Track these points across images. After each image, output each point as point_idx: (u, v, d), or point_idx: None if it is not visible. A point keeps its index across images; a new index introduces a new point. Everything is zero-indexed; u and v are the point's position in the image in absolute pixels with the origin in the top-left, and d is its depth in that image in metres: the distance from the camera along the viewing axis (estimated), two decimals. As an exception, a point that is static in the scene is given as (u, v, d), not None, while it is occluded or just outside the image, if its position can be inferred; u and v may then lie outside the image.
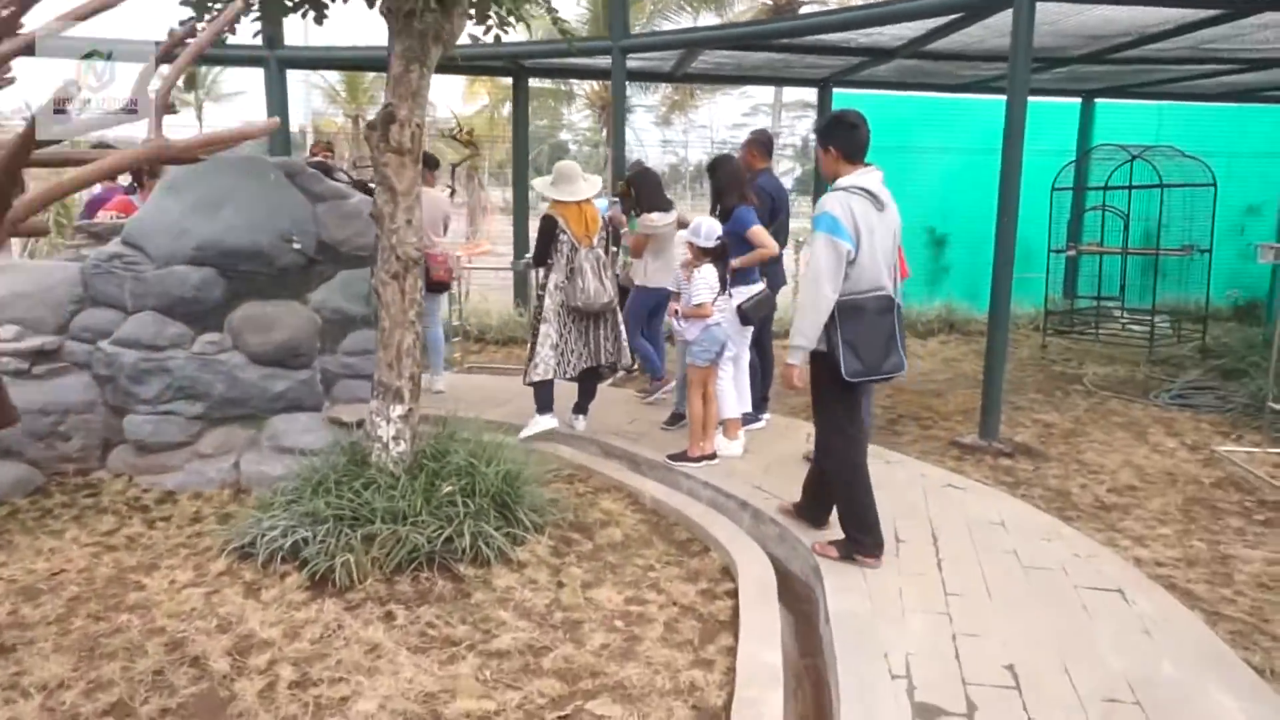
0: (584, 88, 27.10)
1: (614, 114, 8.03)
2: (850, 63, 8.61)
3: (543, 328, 5.32)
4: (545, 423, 5.55)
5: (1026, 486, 5.06)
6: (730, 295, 5.19)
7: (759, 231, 5.19)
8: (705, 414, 5.16)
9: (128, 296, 4.67)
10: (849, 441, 3.70)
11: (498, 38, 4.86)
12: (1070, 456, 5.62)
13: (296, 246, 4.81)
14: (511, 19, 4.75)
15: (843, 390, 3.59)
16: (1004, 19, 5.90)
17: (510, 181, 9.81)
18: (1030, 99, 5.66)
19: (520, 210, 9.47)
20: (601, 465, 5.42)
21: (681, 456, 5.14)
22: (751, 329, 5.49)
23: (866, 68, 8.62)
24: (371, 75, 29.58)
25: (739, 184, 5.37)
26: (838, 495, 3.79)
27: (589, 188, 5.43)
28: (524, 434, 5.31)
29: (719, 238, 5.01)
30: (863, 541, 3.69)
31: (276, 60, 8.34)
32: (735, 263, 5.16)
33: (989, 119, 9.63)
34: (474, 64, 9.01)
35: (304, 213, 4.86)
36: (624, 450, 5.51)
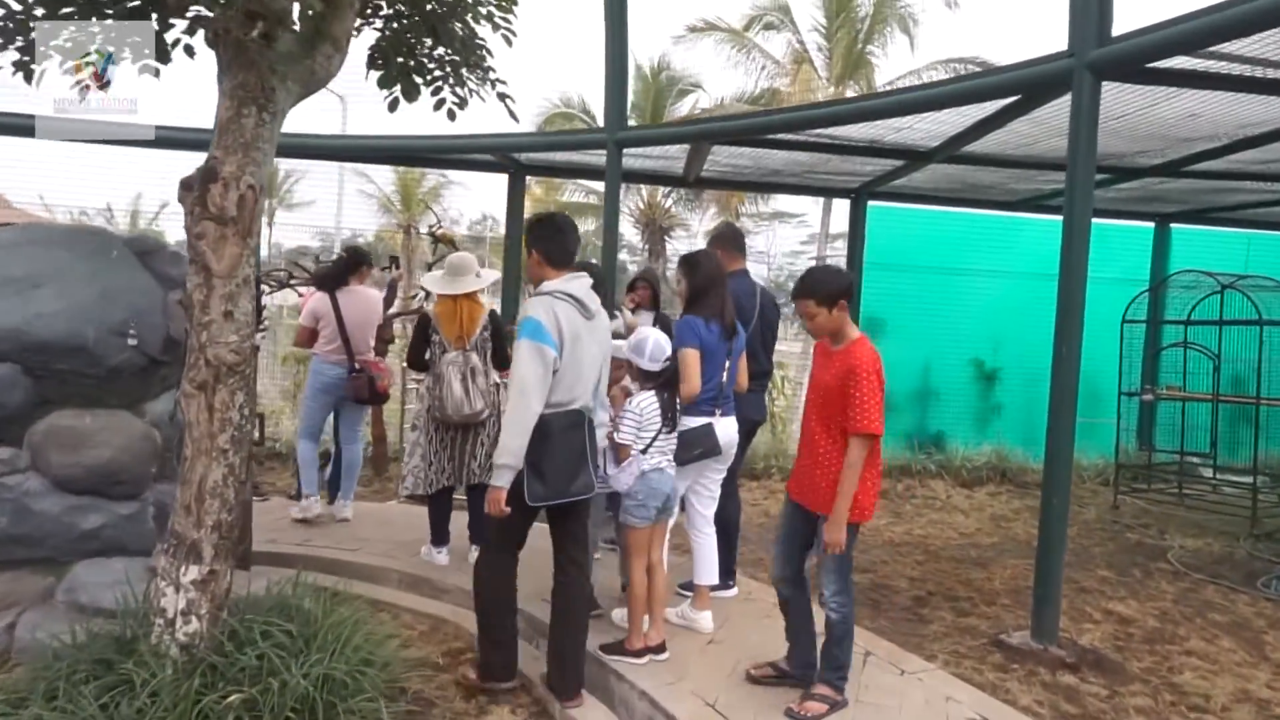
0: (628, 204, 26.87)
1: (606, 213, 7.04)
2: (884, 168, 7.56)
3: (413, 436, 4.97)
4: (435, 557, 5.04)
5: (1099, 726, 3.57)
6: (675, 430, 3.96)
7: (686, 356, 3.96)
8: (650, 590, 3.84)
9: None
10: (503, 558, 3.59)
11: (451, 113, 4.02)
12: (1159, 676, 4.10)
13: (133, 342, 3.76)
14: (468, 86, 3.86)
15: (520, 512, 3.38)
16: (1060, 116, 4.77)
17: (501, 290, 8.80)
18: (1096, 220, 4.45)
19: (508, 316, 8.44)
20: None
21: (617, 648, 3.81)
22: (717, 474, 4.24)
23: (903, 174, 7.56)
24: (428, 180, 29.96)
25: (720, 288, 4.19)
26: (483, 620, 3.62)
27: (475, 281, 4.88)
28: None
29: (668, 359, 3.82)
30: (496, 667, 3.60)
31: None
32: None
33: (1047, 240, 8.44)
34: (464, 158, 8.20)
35: (150, 301, 3.83)
36: (545, 624, 4.17)
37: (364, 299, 5.78)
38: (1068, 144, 4.35)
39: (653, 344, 3.80)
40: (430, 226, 7.81)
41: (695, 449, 4.03)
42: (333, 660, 3.04)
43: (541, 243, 3.51)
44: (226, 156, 3.00)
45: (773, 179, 8.56)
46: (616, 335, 4.21)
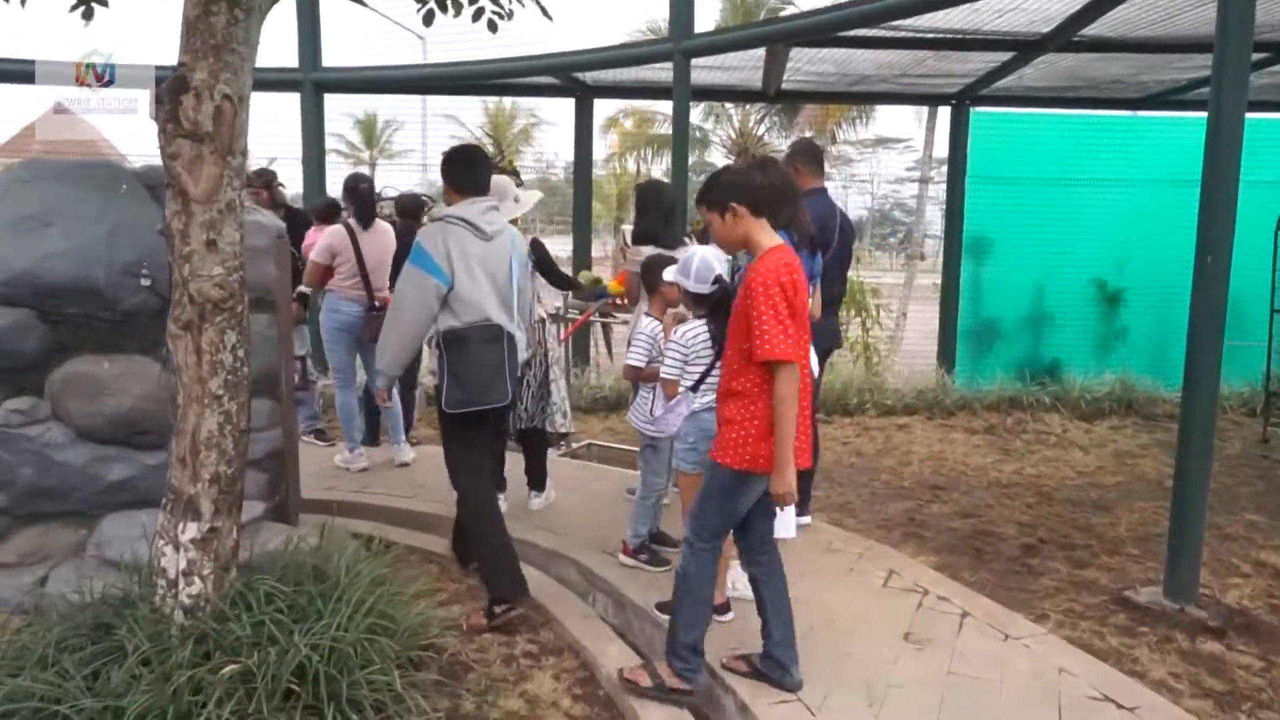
0: (719, 134, 25.87)
1: (675, 133, 6.47)
2: (988, 64, 6.69)
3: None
4: None
5: (1255, 707, 2.96)
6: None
7: None
8: (709, 545, 3.40)
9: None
10: (474, 484, 3.66)
11: (492, 24, 3.80)
12: (1327, 642, 3.43)
13: (146, 283, 3.51)
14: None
15: (458, 424, 3.55)
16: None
17: (571, 224, 8.37)
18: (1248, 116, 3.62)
19: (581, 257, 8.01)
20: (561, 601, 3.75)
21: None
22: None
23: (1010, 70, 6.67)
24: (518, 122, 29.76)
25: (794, 197, 3.61)
26: (473, 537, 3.68)
27: (513, 208, 4.39)
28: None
29: (719, 278, 3.30)
30: (501, 586, 3.52)
31: (312, 84, 7.34)
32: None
33: (1181, 142, 7.39)
34: (527, 83, 7.73)
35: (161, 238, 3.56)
36: (606, 583, 3.81)
37: (383, 235, 5.51)
38: (1217, 12, 3.54)
39: (699, 261, 3.29)
40: (492, 159, 7.39)
41: None
42: (347, 624, 2.74)
43: (450, 174, 3.63)
44: (196, 62, 2.63)
45: (862, 87, 7.76)
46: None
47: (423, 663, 3.05)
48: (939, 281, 8.57)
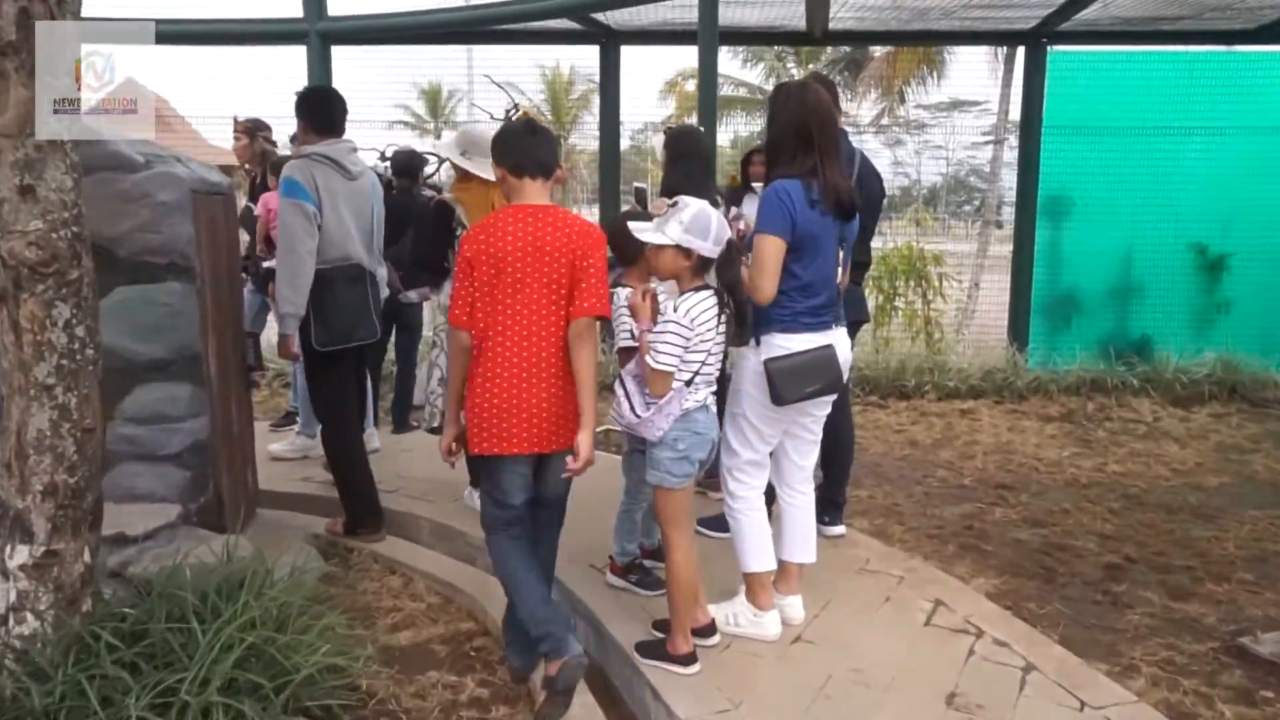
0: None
1: (700, 77, 5.69)
2: (1069, -7, 5.72)
3: (432, 354, 4.18)
4: (474, 502, 3.79)
5: None
6: (756, 344, 2.75)
7: (762, 245, 2.70)
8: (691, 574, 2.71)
9: None
10: (338, 415, 3.77)
11: None
12: None
13: (30, 246, 2.95)
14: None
15: (322, 362, 3.65)
16: None
17: (597, 184, 7.67)
18: None
19: (611, 214, 7.29)
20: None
21: (656, 649, 2.73)
22: (823, 408, 2.96)
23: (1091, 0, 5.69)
24: (576, 89, 29.03)
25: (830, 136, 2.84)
26: (333, 470, 3.86)
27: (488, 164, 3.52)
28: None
29: (729, 241, 2.59)
30: (361, 515, 3.83)
31: (318, 35, 6.75)
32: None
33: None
34: (546, 28, 7.00)
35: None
36: (587, 608, 3.15)
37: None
38: None
39: (717, 220, 2.58)
40: (507, 110, 6.73)
41: (809, 383, 2.73)
42: (208, 672, 2.14)
43: (306, 113, 3.68)
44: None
45: (919, 25, 6.83)
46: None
47: (330, 716, 2.44)
48: (1014, 248, 7.61)
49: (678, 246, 2.59)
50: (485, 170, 3.58)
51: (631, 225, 2.72)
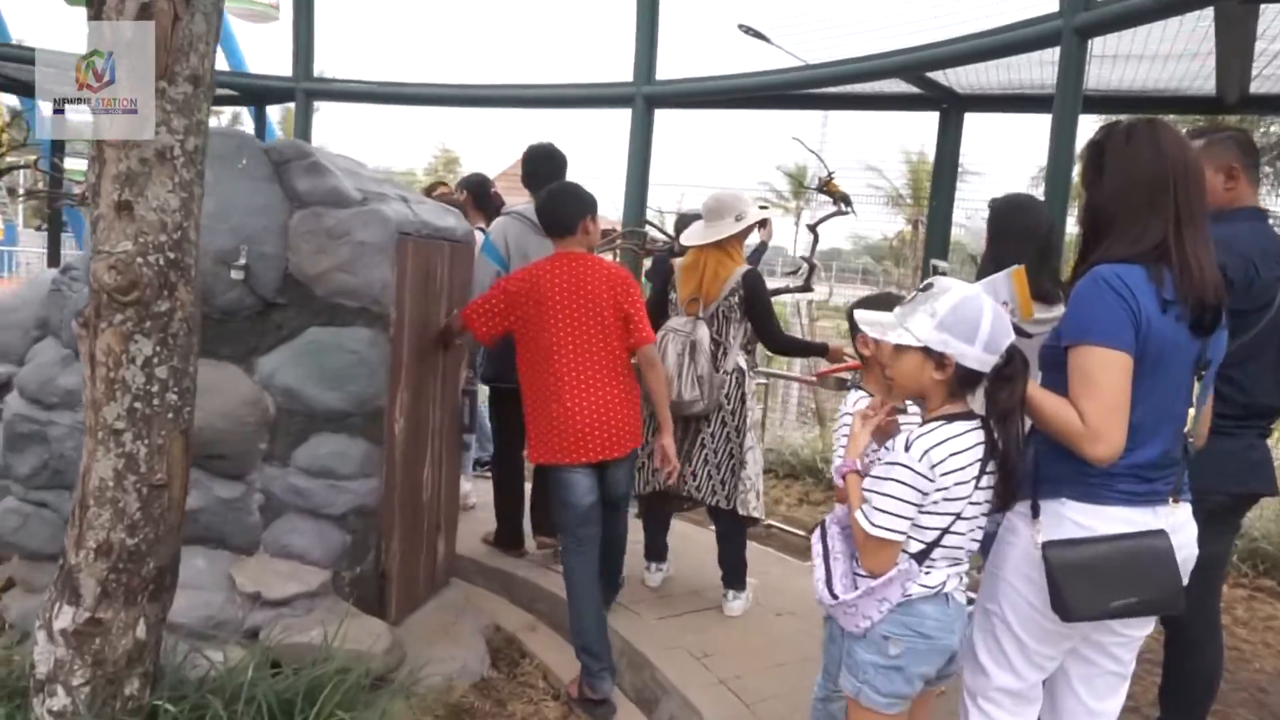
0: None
1: (1053, 156, 4.60)
2: None
3: None
4: (647, 576, 3.78)
5: None
6: (1033, 513, 1.79)
7: (1091, 360, 1.72)
8: None
9: (62, 326, 3.21)
10: (508, 443, 3.93)
11: None
12: None
13: (238, 276, 2.84)
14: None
15: (497, 395, 3.99)
16: None
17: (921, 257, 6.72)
18: None
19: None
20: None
21: None
22: (1142, 627, 1.87)
23: None
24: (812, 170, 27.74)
25: (1195, 207, 1.87)
26: (495, 487, 4.07)
27: (727, 226, 3.34)
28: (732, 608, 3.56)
29: (1010, 351, 1.71)
30: (505, 535, 4.04)
31: (644, 98, 6.72)
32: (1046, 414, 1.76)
33: None
34: (877, 92, 6.28)
35: (270, 222, 2.88)
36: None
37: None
38: None
39: (993, 315, 1.71)
40: (820, 179, 6.09)
41: (1118, 592, 1.71)
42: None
43: (523, 171, 3.85)
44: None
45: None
46: None
47: None
48: None
49: (926, 350, 1.74)
50: (697, 236, 3.40)
51: (860, 315, 1.90)
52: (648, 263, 5.60)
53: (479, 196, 4.59)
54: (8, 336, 3.44)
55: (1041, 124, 4.89)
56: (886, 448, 1.77)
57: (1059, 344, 1.79)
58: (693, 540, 4.25)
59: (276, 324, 2.93)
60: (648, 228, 6.12)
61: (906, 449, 1.72)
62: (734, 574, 3.50)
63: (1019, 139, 25.05)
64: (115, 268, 1.80)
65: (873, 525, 1.72)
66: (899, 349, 1.78)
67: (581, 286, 2.89)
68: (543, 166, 3.77)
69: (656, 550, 3.79)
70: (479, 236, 3.92)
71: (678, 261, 3.52)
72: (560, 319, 2.86)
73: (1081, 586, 1.71)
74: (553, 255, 2.97)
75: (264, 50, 19.35)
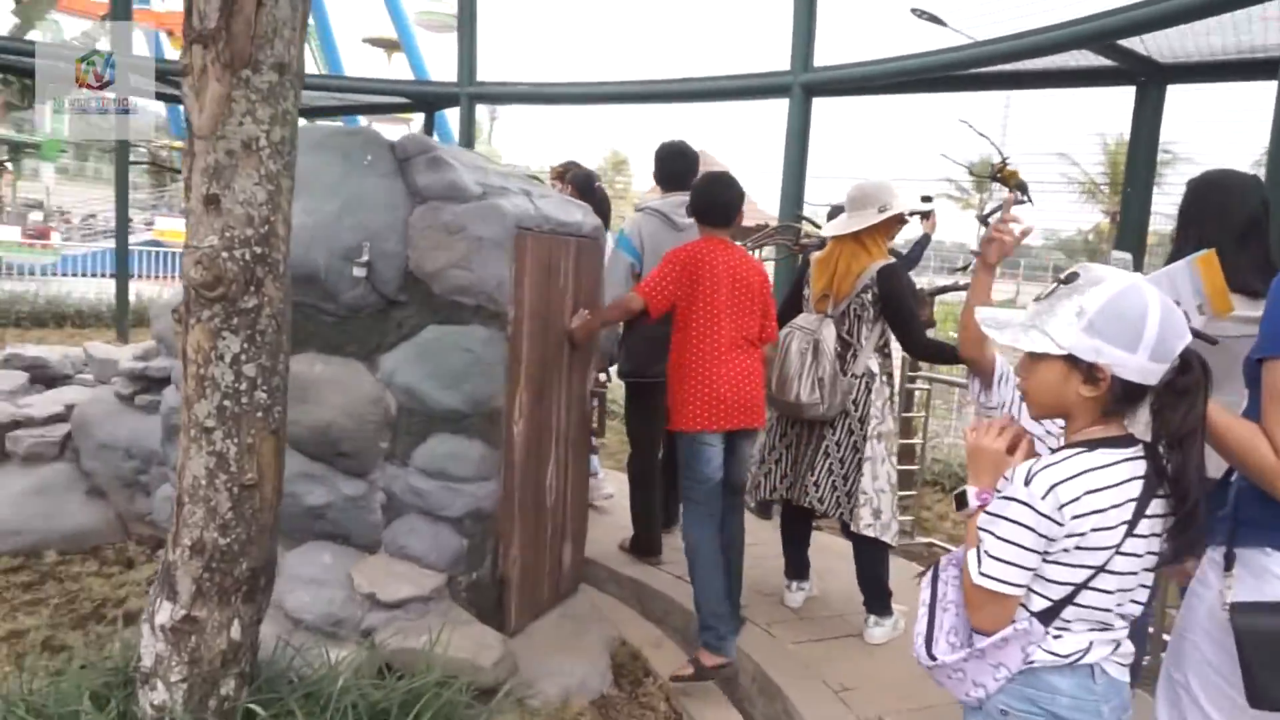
0: None
1: (1276, 128, 3.92)
2: None
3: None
4: (788, 597, 3.53)
5: None
6: (1225, 565, 1.41)
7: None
8: None
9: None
10: (643, 441, 3.97)
11: None
12: None
13: (360, 273, 2.82)
14: None
15: (632, 390, 3.95)
16: None
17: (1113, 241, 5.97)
18: None
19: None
20: None
21: None
22: None
23: None
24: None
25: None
26: (631, 489, 4.02)
27: (865, 218, 3.07)
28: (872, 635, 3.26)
29: (1187, 356, 1.34)
30: (640, 539, 3.97)
31: (801, 87, 6.44)
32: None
33: None
34: (1063, 70, 5.67)
35: (392, 219, 2.84)
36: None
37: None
38: None
39: (1161, 313, 1.35)
40: (994, 166, 5.55)
41: None
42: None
43: (655, 167, 3.95)
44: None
45: None
46: None
47: None
48: None
49: (1071, 359, 1.39)
50: (834, 227, 3.24)
51: (981, 314, 1.56)
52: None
53: (584, 191, 4.47)
54: (166, 327, 3.63)
55: (1265, 93, 4.15)
56: (1006, 477, 1.44)
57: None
58: (845, 558, 3.92)
59: (397, 322, 2.91)
60: (803, 223, 5.80)
61: (1026, 483, 1.37)
62: (873, 597, 3.18)
63: (1239, 114, 22.23)
64: (201, 263, 1.76)
65: (979, 573, 1.39)
66: (1034, 357, 1.44)
67: (739, 270, 2.98)
68: (678, 164, 3.89)
69: (797, 567, 3.52)
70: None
71: (815, 255, 3.24)
72: (721, 293, 2.93)
73: (1276, 665, 1.33)
74: (707, 239, 3.01)
75: (444, 58, 20.31)
